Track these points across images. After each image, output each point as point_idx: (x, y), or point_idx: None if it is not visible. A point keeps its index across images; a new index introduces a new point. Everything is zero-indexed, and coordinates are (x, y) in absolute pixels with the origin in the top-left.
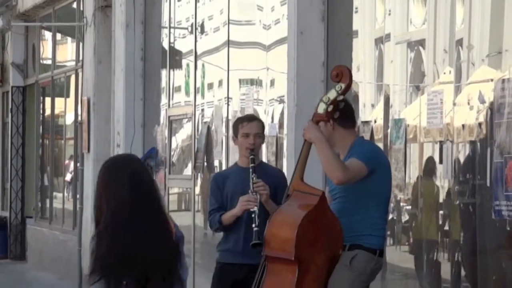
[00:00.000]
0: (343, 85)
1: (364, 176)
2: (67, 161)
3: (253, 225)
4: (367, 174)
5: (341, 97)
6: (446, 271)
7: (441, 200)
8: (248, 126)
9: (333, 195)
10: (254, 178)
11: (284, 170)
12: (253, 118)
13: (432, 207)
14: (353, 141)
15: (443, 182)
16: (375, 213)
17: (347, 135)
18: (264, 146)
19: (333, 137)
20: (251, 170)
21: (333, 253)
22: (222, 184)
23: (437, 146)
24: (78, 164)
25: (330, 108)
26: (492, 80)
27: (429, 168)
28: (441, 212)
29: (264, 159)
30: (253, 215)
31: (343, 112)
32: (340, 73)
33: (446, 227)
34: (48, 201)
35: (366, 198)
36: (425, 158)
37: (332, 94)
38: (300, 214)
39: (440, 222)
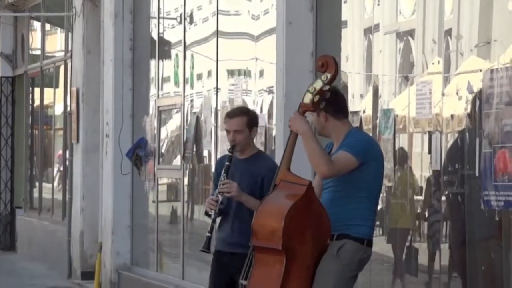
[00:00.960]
0: (328, 75)
1: (355, 168)
2: (60, 152)
3: (208, 230)
4: (358, 165)
5: (327, 87)
6: (435, 261)
7: (429, 191)
8: (228, 123)
9: (324, 184)
10: (223, 179)
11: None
12: (234, 115)
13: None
14: (347, 131)
15: (431, 172)
16: (365, 204)
17: (340, 125)
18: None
19: (327, 128)
20: (224, 168)
21: (321, 243)
22: (220, 171)
23: (426, 137)
24: (68, 155)
25: (316, 98)
26: (481, 70)
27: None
28: (429, 202)
29: None
30: (211, 217)
31: (335, 103)
32: (326, 63)
33: (435, 218)
34: (37, 191)
35: (357, 189)
36: (414, 148)
37: (318, 84)
38: (287, 204)
39: (428, 213)
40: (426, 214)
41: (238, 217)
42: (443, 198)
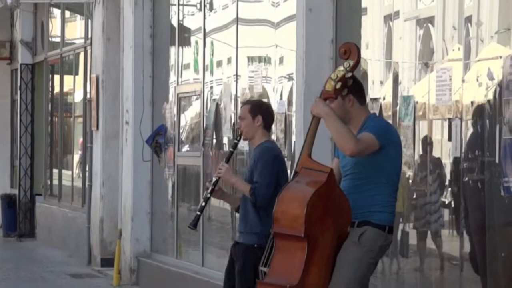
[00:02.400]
0: (351, 62)
1: (376, 150)
2: (81, 139)
3: (198, 208)
4: (378, 149)
5: (349, 74)
6: (454, 248)
7: (450, 177)
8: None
9: (344, 172)
10: (221, 163)
11: (292, 147)
12: (242, 104)
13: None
14: (366, 117)
15: (452, 159)
16: (385, 190)
17: (363, 110)
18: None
19: (350, 113)
20: (227, 154)
21: (341, 231)
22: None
23: (445, 123)
24: (87, 142)
25: (338, 86)
26: (501, 57)
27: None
28: (450, 189)
29: (273, 137)
30: (203, 196)
31: (360, 89)
32: (348, 50)
33: (455, 204)
34: (57, 178)
35: (376, 175)
36: (434, 135)
37: (340, 71)
38: (309, 191)
39: (449, 199)
40: (446, 201)
41: (244, 205)
42: (463, 185)
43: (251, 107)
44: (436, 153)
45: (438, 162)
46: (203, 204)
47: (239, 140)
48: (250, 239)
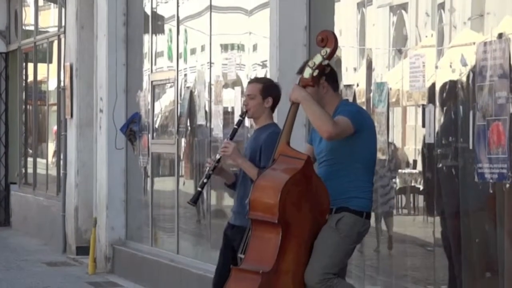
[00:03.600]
0: (328, 50)
1: (350, 134)
2: (55, 128)
3: (198, 185)
4: (353, 133)
5: (326, 62)
6: (428, 234)
7: (424, 164)
8: (246, 88)
9: (319, 159)
10: (226, 141)
11: None
12: (251, 81)
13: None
14: (338, 103)
15: (425, 145)
16: (361, 175)
17: (336, 96)
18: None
19: (324, 99)
20: (231, 131)
21: (320, 217)
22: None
23: (419, 110)
24: (62, 130)
25: (316, 73)
26: (474, 43)
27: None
28: (424, 175)
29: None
30: (205, 173)
31: (334, 75)
32: (325, 37)
33: (428, 190)
34: (31, 167)
35: (352, 160)
36: (408, 121)
37: (317, 59)
38: (284, 178)
39: (423, 186)
40: (420, 187)
41: (242, 186)
42: (437, 171)
43: (263, 88)
44: (409, 139)
45: (411, 148)
46: (205, 180)
47: (244, 118)
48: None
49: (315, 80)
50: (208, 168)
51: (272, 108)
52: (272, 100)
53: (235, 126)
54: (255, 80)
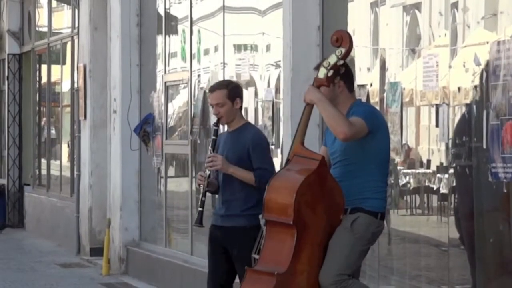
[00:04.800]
0: (343, 50)
1: (365, 135)
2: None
3: (199, 204)
4: (367, 133)
5: (341, 62)
6: (443, 234)
7: (437, 163)
8: (210, 97)
9: (333, 159)
10: (209, 153)
11: (281, 134)
12: (213, 89)
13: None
14: (352, 103)
15: (439, 145)
16: (375, 175)
17: (350, 97)
18: (260, 111)
19: (339, 99)
20: (210, 143)
21: (334, 218)
22: (218, 148)
23: (433, 109)
24: (75, 131)
25: (331, 73)
26: (487, 42)
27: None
28: (438, 175)
29: (260, 124)
30: (201, 192)
31: (350, 75)
32: (340, 37)
33: (443, 190)
34: (45, 168)
35: (366, 160)
36: (421, 121)
37: (332, 59)
38: (299, 178)
39: (437, 185)
40: (434, 187)
41: (227, 190)
42: (451, 170)
43: (229, 92)
44: (423, 139)
45: (425, 148)
46: (203, 199)
47: (218, 126)
48: (242, 220)
49: (329, 80)
50: (202, 186)
51: (241, 108)
52: (240, 100)
53: (213, 137)
54: (217, 87)
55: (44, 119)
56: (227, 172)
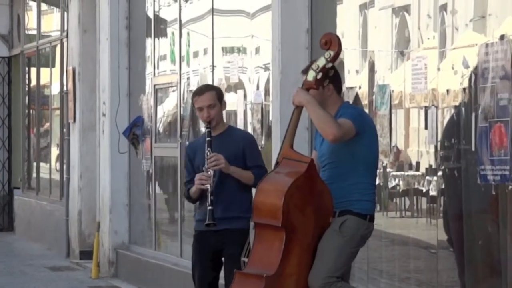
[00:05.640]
0: (332, 53)
1: (352, 136)
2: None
3: (207, 204)
4: (354, 135)
5: (330, 65)
6: (432, 236)
7: (426, 166)
8: (199, 100)
9: (321, 162)
10: (208, 153)
11: (270, 137)
12: (203, 91)
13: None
14: (340, 105)
15: (428, 148)
16: (364, 178)
17: (339, 99)
18: (249, 114)
19: (327, 101)
20: (206, 144)
21: (323, 221)
22: (193, 157)
23: (422, 112)
24: (65, 134)
25: (320, 76)
26: (476, 44)
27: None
28: (427, 177)
29: (250, 127)
30: (207, 193)
31: (337, 78)
32: (329, 40)
33: (432, 193)
34: (35, 171)
35: (354, 162)
36: (410, 123)
37: (321, 62)
38: (288, 181)
39: (426, 188)
40: (423, 189)
41: (224, 191)
42: (440, 173)
43: (217, 94)
44: (412, 141)
45: (414, 151)
46: (212, 198)
47: (211, 128)
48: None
49: (318, 83)
50: (209, 186)
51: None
52: (225, 103)
53: (208, 138)
54: (206, 89)
55: (33, 122)
56: (228, 171)
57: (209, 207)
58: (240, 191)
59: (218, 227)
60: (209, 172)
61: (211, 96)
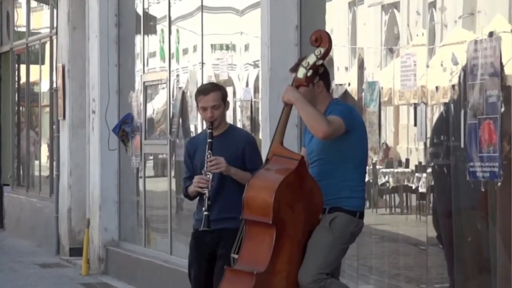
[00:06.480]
0: (322, 50)
1: (342, 133)
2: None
3: (204, 209)
4: (344, 132)
5: (320, 62)
6: (422, 233)
7: (416, 163)
8: (204, 100)
9: (310, 159)
10: (209, 156)
11: (260, 134)
12: (208, 91)
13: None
14: (329, 102)
15: (417, 144)
16: (353, 175)
17: (328, 96)
18: (239, 111)
19: (317, 99)
20: (207, 146)
21: (313, 217)
22: (193, 153)
23: (411, 109)
24: (54, 131)
25: (310, 73)
26: (465, 41)
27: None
28: (416, 174)
29: (239, 124)
30: (204, 197)
31: (326, 75)
32: (320, 37)
33: (421, 189)
34: (25, 168)
35: (343, 159)
36: (399, 120)
37: (311, 59)
38: (278, 178)
39: (415, 184)
40: (413, 186)
41: (222, 193)
42: (429, 170)
43: (223, 94)
44: (401, 138)
45: (403, 147)
46: (209, 203)
47: (213, 129)
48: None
49: (309, 80)
50: (207, 190)
51: None
52: (228, 103)
53: (209, 140)
54: (212, 89)
55: (23, 119)
56: (228, 173)
57: (205, 213)
58: (238, 192)
59: (215, 227)
60: (208, 176)
61: (216, 96)
